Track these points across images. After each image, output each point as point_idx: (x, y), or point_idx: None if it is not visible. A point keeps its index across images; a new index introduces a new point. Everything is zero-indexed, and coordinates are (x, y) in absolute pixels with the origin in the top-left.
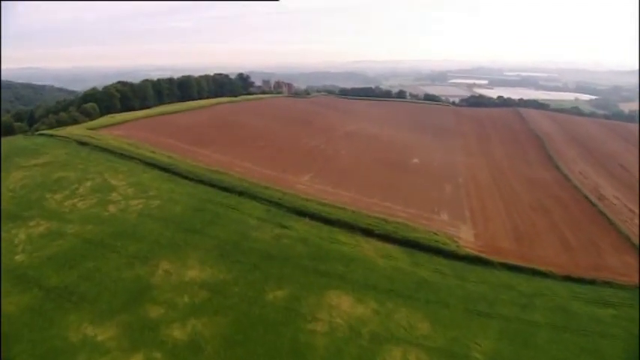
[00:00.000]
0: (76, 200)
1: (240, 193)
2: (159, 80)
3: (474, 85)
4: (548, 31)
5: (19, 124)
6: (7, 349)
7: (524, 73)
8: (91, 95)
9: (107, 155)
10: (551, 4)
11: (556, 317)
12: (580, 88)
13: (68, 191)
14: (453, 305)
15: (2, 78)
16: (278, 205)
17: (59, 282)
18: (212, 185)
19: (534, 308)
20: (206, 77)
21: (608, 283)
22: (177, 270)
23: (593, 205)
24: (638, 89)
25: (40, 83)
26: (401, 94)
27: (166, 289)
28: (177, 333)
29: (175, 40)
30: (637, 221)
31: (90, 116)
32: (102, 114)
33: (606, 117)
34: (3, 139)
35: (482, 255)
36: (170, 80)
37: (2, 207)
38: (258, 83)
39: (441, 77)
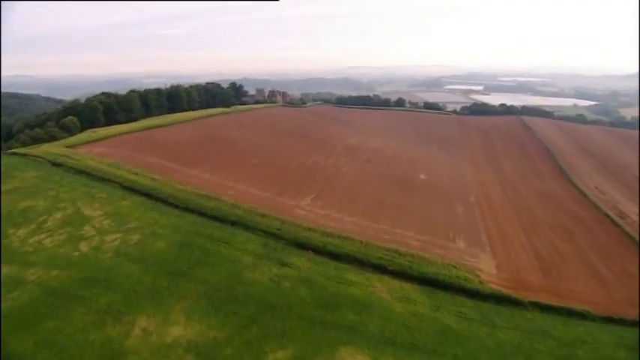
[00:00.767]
0: (42, 236)
1: (233, 223)
2: (146, 91)
3: (471, 91)
4: (541, 36)
5: None
6: None
7: (519, 79)
8: (72, 108)
9: (83, 178)
10: (542, 10)
11: None
12: (578, 94)
13: (34, 225)
14: None
15: None
16: (276, 236)
17: (10, 353)
18: (201, 214)
19: None
20: (197, 87)
21: None
22: (158, 328)
23: (617, 225)
24: (638, 94)
25: (26, 92)
26: (400, 102)
27: (144, 355)
28: None
29: (170, 48)
30: None
31: (70, 131)
32: (83, 128)
33: (612, 124)
34: None
35: (510, 293)
36: (158, 91)
37: None
38: (251, 92)
39: (436, 83)
